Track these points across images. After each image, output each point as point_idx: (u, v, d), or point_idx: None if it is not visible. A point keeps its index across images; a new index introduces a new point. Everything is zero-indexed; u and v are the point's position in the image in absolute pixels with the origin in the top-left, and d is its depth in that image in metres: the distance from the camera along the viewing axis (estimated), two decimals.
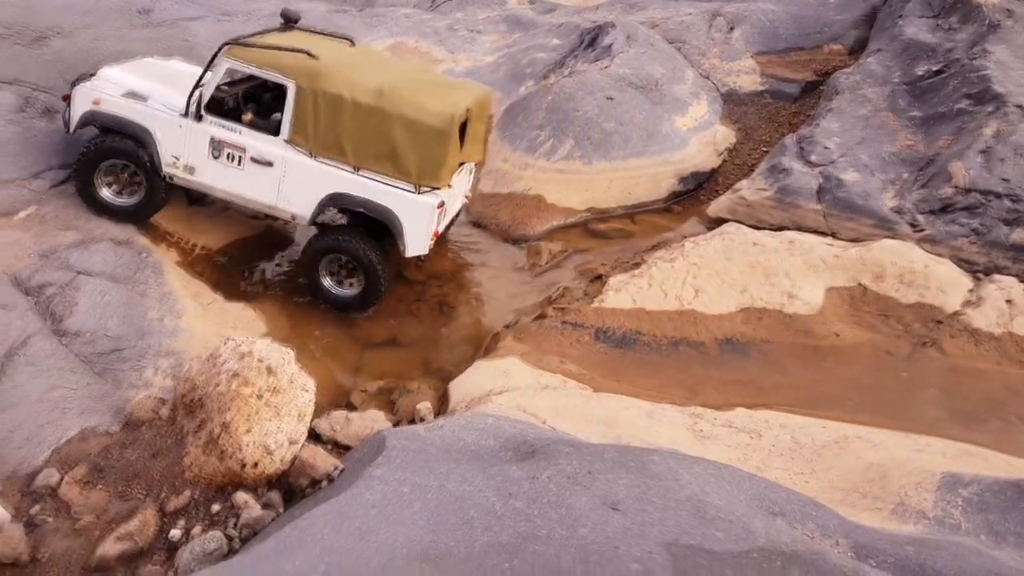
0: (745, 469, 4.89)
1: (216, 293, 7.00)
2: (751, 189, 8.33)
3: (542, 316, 7.38)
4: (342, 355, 6.89)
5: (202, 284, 7.03)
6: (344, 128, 6.56)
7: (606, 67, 9.84)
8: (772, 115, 10.04)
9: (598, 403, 6.18)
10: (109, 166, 6.99)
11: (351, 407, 6.14)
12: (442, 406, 6.21)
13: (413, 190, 6.67)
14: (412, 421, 5.85)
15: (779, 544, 3.85)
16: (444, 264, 8.02)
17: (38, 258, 6.32)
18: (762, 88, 10.33)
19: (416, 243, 6.77)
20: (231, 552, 4.32)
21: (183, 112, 6.76)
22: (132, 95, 6.92)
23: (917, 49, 9.48)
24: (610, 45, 10.29)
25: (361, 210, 6.73)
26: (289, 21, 7.42)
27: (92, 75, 7.20)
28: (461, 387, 6.26)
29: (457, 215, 7.33)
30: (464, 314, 7.49)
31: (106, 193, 7.05)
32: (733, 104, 10.18)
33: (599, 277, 7.79)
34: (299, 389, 5.05)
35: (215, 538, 4.35)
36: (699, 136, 9.59)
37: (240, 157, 6.76)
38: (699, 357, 6.84)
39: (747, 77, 10.46)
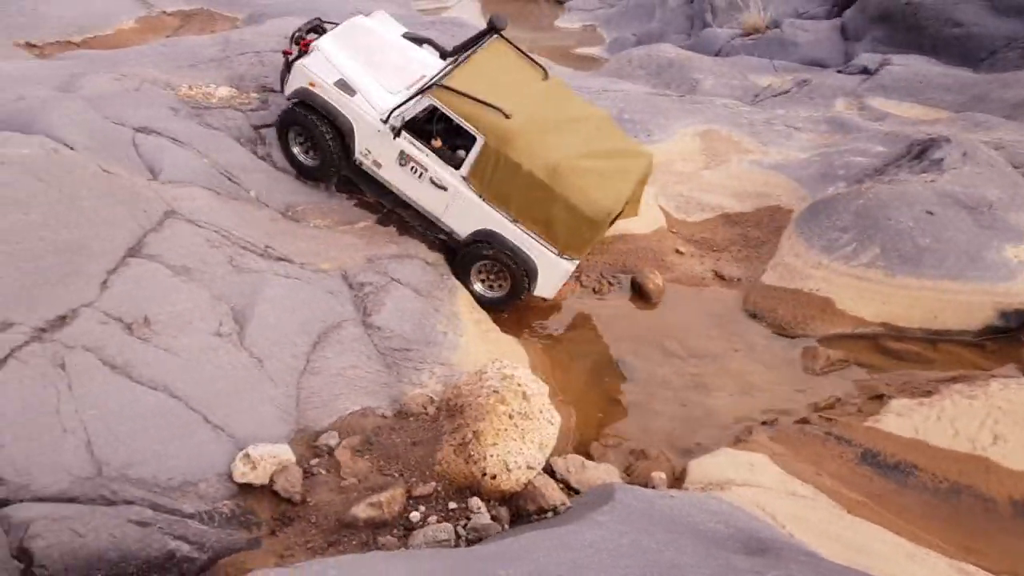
0: None
1: (494, 324, 7.65)
2: None
3: (805, 421, 6.93)
4: (590, 407, 7.09)
5: (484, 313, 7.73)
6: (514, 189, 7.32)
7: (932, 180, 9.09)
8: None
9: (850, 526, 5.64)
10: (299, 129, 8.08)
11: (588, 456, 6.27)
12: (677, 481, 6.10)
13: (556, 253, 7.48)
14: (644, 485, 5.82)
15: None
16: (711, 345, 7.90)
17: (365, 261, 7.45)
18: None
19: (544, 289, 7.73)
20: (456, 546, 4.65)
21: (384, 118, 7.53)
22: (343, 85, 7.76)
23: None
24: (941, 159, 9.48)
25: (508, 252, 7.50)
26: (494, 29, 7.98)
27: (312, 28, 8.37)
28: (701, 467, 6.10)
29: None
30: (721, 398, 7.28)
31: (296, 150, 8.21)
32: None
33: (880, 396, 7.13)
34: (546, 421, 5.34)
35: (446, 530, 4.74)
36: None
37: (422, 173, 7.62)
38: (984, 512, 5.95)
39: None
